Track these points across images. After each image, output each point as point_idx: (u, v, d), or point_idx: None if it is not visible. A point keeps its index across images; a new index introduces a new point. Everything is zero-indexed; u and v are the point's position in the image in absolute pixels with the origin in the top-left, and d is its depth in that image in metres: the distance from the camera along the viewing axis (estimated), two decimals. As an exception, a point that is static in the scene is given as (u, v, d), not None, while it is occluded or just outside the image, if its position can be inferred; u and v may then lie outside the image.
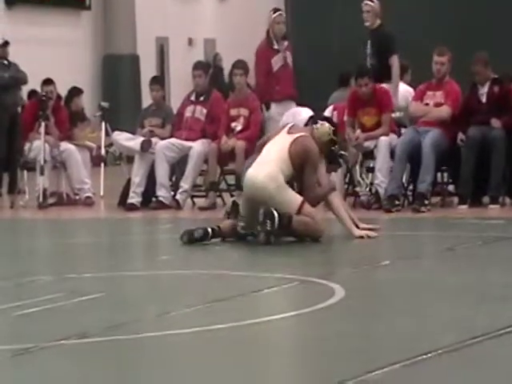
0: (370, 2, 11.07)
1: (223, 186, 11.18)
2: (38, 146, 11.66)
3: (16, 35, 16.25)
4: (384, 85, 10.76)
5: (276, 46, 11.35)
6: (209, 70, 11.11)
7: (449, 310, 5.39)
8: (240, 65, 11.27)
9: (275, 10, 11.88)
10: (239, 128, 10.93)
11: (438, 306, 5.55)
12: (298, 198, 7.96)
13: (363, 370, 4.04)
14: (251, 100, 11.19)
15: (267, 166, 8.03)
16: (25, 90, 14.49)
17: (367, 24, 11.07)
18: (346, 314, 5.34)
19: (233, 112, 11.06)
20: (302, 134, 8.21)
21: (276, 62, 11.29)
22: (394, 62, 10.84)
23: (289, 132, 8.24)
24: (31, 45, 17.46)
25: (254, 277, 6.61)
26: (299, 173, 8.07)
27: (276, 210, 7.75)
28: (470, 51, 10.32)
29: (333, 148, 8.30)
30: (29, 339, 4.93)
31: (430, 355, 4.25)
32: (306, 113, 11.12)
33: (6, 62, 13.86)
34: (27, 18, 19.15)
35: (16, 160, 12.39)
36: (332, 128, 8.28)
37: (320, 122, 8.37)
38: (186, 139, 10.91)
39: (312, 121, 8.72)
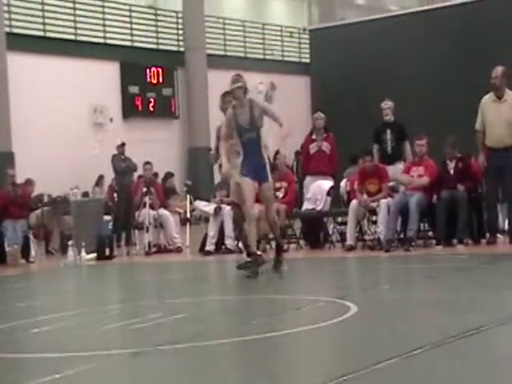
0: (389, 102, 10.95)
1: (271, 236, 11.14)
2: (144, 213, 11.80)
3: (130, 137, 16.56)
4: (400, 164, 10.62)
5: (314, 137, 11.30)
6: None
7: (431, 318, 5.31)
8: (281, 153, 11.32)
9: (315, 112, 11.93)
10: (281, 195, 10.93)
11: (423, 315, 5.47)
12: None
13: (371, 362, 3.99)
14: (289, 176, 11.20)
15: None
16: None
17: (387, 118, 10.82)
18: (358, 324, 5.27)
19: (276, 184, 11.06)
20: None
21: (312, 148, 11.26)
22: (407, 146, 10.76)
23: None
24: (140, 143, 17.74)
25: (292, 299, 6.56)
26: None
27: None
28: (442, 137, 10.23)
29: None
30: (140, 345, 4.94)
31: (420, 350, 4.19)
32: (327, 184, 11.12)
33: (123, 156, 14.18)
34: (137, 126, 19.49)
35: (130, 222, 12.54)
36: None
37: None
38: (245, 204, 10.92)
39: None
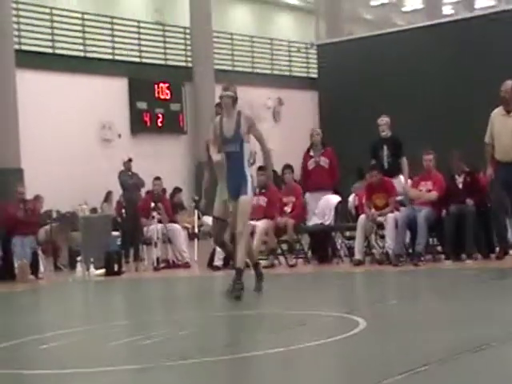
0: (385, 118, 10.97)
1: (279, 251, 11.14)
2: (152, 229, 11.81)
3: (137, 153, 16.61)
4: (401, 177, 10.65)
5: (312, 153, 11.32)
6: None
7: (440, 333, 5.27)
8: (288, 168, 11.34)
9: (313, 129, 11.98)
10: (289, 210, 10.94)
11: (433, 330, 5.42)
12: None
13: (381, 377, 3.95)
14: (297, 190, 11.21)
15: None
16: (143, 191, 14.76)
17: (383, 134, 10.85)
18: (367, 339, 5.24)
19: (284, 199, 11.08)
20: None
21: (310, 165, 11.29)
22: (403, 161, 10.75)
23: None
24: (148, 159, 17.80)
25: (299, 314, 6.48)
26: None
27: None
28: (448, 150, 10.21)
29: None
30: (147, 361, 4.91)
31: (429, 366, 4.15)
32: (335, 198, 11.11)
33: (130, 172, 14.20)
34: (145, 141, 19.55)
35: (138, 238, 12.54)
36: None
37: None
38: (252, 219, 10.89)
39: None
